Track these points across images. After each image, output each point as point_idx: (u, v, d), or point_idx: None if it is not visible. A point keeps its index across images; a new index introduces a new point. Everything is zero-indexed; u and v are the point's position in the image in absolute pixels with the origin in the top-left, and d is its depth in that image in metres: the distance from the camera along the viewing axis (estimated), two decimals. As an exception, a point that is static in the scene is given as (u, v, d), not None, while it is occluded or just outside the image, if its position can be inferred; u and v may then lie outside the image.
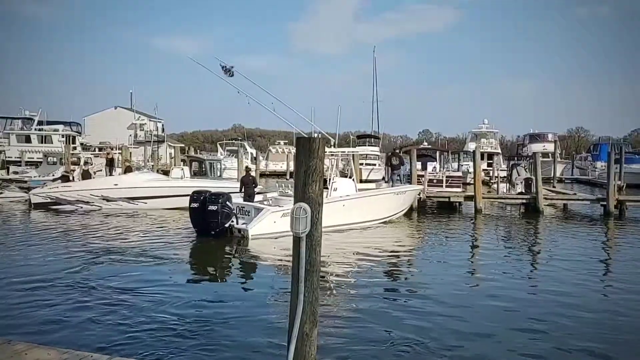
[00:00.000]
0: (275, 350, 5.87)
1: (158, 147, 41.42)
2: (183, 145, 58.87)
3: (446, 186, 23.31)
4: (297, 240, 4.26)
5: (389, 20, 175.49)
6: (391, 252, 13.15)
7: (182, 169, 23.10)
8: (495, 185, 27.10)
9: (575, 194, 24.76)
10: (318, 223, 4.29)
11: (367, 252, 12.62)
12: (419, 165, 25.11)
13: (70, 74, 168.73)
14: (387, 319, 7.31)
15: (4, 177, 28.54)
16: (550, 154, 42.19)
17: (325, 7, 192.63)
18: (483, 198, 21.11)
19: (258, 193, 16.60)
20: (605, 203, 20.33)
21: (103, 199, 19.68)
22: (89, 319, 7.04)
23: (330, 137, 16.61)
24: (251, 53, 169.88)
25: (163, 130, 63.47)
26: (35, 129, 41.94)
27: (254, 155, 44.94)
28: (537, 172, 20.73)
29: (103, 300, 7.88)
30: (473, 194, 20.82)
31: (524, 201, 21.39)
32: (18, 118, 44.82)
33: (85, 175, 22.62)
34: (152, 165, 35.24)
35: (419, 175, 22.27)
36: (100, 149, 43.56)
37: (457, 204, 22.06)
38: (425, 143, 65.31)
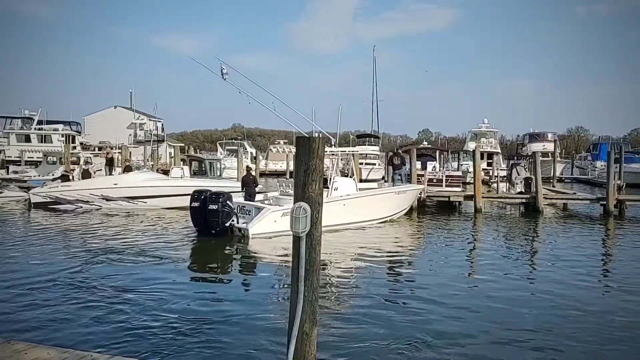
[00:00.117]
0: (275, 349, 5.88)
1: (158, 147, 41.39)
2: (183, 144, 58.94)
3: (446, 186, 23.35)
4: (297, 239, 4.27)
5: (388, 19, 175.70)
6: (391, 251, 13.15)
7: (182, 169, 23.15)
8: (495, 185, 27.13)
9: (575, 193, 24.74)
10: (318, 222, 4.30)
11: (367, 251, 12.63)
12: (418, 164, 25.11)
13: (70, 74, 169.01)
14: (387, 318, 7.32)
15: (4, 176, 28.45)
16: (550, 154, 42.20)
17: (325, 7, 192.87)
18: (483, 197, 21.11)
19: (259, 192, 16.61)
20: (604, 202, 20.33)
21: (103, 199, 19.68)
22: (89, 318, 7.04)
23: (330, 137, 16.60)
24: (251, 52, 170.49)
25: (163, 129, 63.41)
26: (35, 129, 41.98)
27: (254, 154, 44.86)
28: (536, 172, 20.72)
29: (103, 300, 7.88)
30: (473, 193, 20.81)
31: (524, 201, 21.39)
32: (18, 117, 44.86)
33: (85, 174, 22.62)
34: (152, 165, 35.25)
35: (418, 175, 22.28)
36: (99, 149, 43.59)
37: (457, 203, 22.08)
38: (425, 142, 65.46)
